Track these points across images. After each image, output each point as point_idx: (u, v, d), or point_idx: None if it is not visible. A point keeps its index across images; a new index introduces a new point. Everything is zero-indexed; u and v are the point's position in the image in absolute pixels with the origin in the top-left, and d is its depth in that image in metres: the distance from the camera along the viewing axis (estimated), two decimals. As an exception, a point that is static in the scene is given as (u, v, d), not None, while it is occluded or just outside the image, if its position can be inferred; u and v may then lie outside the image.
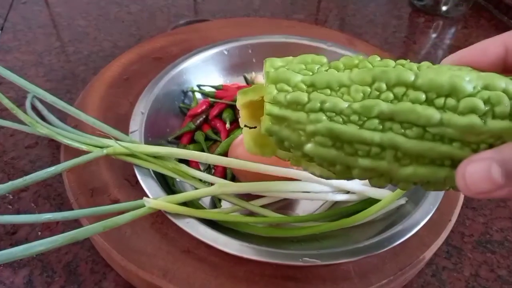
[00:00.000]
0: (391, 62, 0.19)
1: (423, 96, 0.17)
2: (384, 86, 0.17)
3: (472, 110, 0.16)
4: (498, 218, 0.39)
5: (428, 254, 0.32)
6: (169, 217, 0.30)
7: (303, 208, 0.36)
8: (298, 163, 0.22)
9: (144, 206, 0.29)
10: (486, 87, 0.16)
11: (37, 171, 0.31)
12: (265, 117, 0.20)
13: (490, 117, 0.16)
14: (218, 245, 0.28)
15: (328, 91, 0.18)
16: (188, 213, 0.29)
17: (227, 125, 0.40)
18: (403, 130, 0.17)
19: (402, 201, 0.34)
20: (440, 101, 0.17)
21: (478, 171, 0.16)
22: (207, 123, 0.42)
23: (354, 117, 0.18)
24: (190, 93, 0.45)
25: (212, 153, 0.38)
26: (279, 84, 0.19)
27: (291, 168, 0.31)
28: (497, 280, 0.34)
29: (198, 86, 0.45)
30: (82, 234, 0.27)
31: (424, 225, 0.30)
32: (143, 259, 0.29)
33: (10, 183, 0.31)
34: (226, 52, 0.47)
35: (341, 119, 0.18)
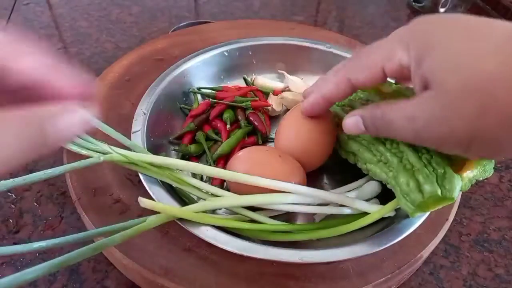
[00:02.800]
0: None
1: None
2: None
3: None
4: (495, 218, 0.40)
5: (426, 252, 0.32)
6: (171, 216, 0.30)
7: (302, 215, 0.35)
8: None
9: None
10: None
11: (40, 170, 0.32)
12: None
13: None
14: (219, 243, 0.29)
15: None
16: (188, 217, 0.29)
17: (228, 126, 0.41)
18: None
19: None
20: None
21: (349, 122, 0.28)
22: (208, 123, 0.42)
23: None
24: (191, 94, 0.45)
25: (213, 153, 0.39)
26: None
27: (287, 182, 0.31)
28: (495, 279, 0.35)
29: (199, 87, 0.46)
30: (90, 252, 0.26)
31: (422, 224, 0.31)
32: (145, 257, 0.30)
33: (10, 180, 0.31)
34: (226, 54, 0.48)
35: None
